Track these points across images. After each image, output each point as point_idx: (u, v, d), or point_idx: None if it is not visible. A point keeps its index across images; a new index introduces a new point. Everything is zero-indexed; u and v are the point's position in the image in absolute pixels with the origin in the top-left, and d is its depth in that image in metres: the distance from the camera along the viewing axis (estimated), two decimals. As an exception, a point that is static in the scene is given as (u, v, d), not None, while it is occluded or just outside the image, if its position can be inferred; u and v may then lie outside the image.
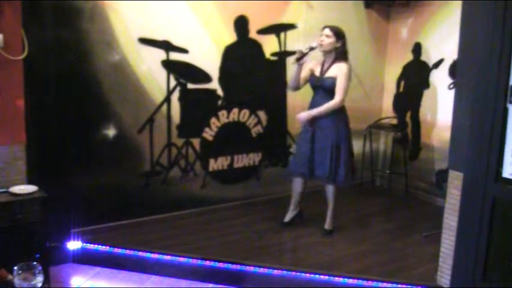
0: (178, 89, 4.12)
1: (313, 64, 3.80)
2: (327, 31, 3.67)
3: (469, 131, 2.84)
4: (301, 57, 3.61)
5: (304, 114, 3.74)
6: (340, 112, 3.76)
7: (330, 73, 3.71)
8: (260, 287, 3.32)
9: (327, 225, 3.97)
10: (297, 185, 3.98)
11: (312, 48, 3.62)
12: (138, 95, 3.93)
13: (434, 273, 3.22)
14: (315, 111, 3.70)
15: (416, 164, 5.06)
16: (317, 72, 3.78)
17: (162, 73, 4.03)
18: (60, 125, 3.60)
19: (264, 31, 4.44)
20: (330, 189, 3.89)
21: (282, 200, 4.17)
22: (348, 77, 3.68)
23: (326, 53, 3.72)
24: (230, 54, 4.31)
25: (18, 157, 3.17)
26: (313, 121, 3.76)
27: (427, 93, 4.91)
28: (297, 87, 3.86)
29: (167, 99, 4.08)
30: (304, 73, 3.79)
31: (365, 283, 3.22)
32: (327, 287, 3.26)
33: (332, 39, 3.65)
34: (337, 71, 3.67)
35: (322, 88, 3.72)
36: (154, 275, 3.43)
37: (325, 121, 3.73)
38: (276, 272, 3.32)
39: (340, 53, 3.69)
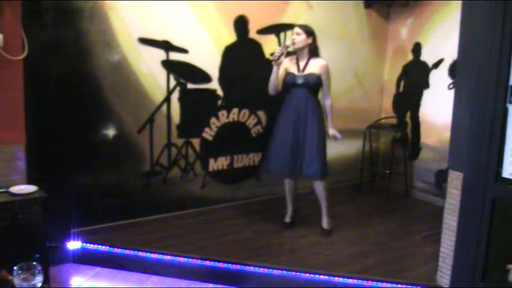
0: (178, 89, 4.12)
1: (286, 63, 3.81)
2: (297, 29, 3.75)
3: (469, 131, 2.84)
4: (279, 56, 3.64)
5: (334, 131, 3.88)
6: (319, 107, 3.83)
7: (310, 70, 3.75)
8: (260, 287, 3.32)
9: (325, 225, 3.98)
10: (288, 185, 4.05)
11: (287, 47, 3.69)
12: (138, 95, 3.94)
13: (434, 273, 3.22)
14: (331, 121, 3.89)
15: (416, 164, 5.06)
16: (293, 70, 3.79)
17: (162, 73, 4.03)
18: (60, 125, 3.60)
19: (263, 31, 4.44)
20: (319, 186, 3.90)
21: (282, 200, 4.17)
22: (329, 72, 3.81)
23: (299, 50, 3.77)
24: (230, 54, 4.32)
25: (18, 157, 3.17)
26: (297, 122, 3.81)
27: (427, 93, 4.91)
28: (277, 90, 3.85)
29: (167, 99, 4.08)
30: (281, 74, 3.80)
31: (365, 283, 3.22)
32: (327, 287, 3.26)
33: (303, 36, 3.72)
34: (319, 68, 3.74)
35: (306, 85, 3.75)
36: (154, 275, 3.43)
37: (308, 119, 3.77)
38: (275, 272, 3.32)
39: (313, 50, 3.78)
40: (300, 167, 3.81)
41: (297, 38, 3.73)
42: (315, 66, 3.75)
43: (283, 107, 3.87)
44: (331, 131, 3.87)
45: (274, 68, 3.73)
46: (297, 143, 3.80)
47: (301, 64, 3.78)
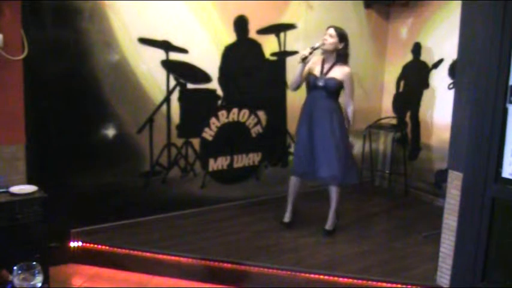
0: (178, 89, 4.12)
1: (311, 63, 3.81)
2: (331, 31, 3.71)
3: (469, 131, 2.84)
4: (307, 57, 3.65)
5: (352, 140, 3.93)
6: (339, 112, 3.79)
7: (332, 74, 3.73)
8: (260, 287, 3.32)
9: (328, 226, 3.97)
10: (293, 185, 4.02)
11: (314, 49, 3.66)
12: (138, 95, 3.93)
13: (434, 273, 3.22)
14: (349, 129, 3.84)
15: (416, 164, 5.06)
16: (316, 72, 3.78)
17: (162, 73, 4.03)
18: (60, 125, 3.60)
19: (263, 31, 4.44)
20: (333, 190, 3.89)
21: (282, 200, 4.17)
22: (352, 79, 3.79)
23: (327, 53, 3.74)
24: (230, 54, 4.31)
25: (18, 157, 3.17)
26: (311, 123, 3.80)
27: (427, 93, 4.91)
28: (298, 87, 3.88)
29: (167, 99, 4.08)
30: (304, 73, 3.79)
31: (365, 283, 3.23)
32: (327, 287, 3.26)
33: (335, 40, 3.69)
34: (342, 75, 3.71)
35: (325, 89, 3.73)
36: (154, 275, 3.43)
37: (325, 121, 3.75)
38: (276, 272, 3.33)
39: (341, 55, 3.73)
40: (314, 169, 3.80)
41: (328, 40, 3.69)
42: (338, 72, 3.72)
43: (303, 108, 3.90)
44: (350, 139, 3.88)
45: (300, 67, 3.72)
46: (312, 144, 3.80)
47: (326, 67, 3.76)
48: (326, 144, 3.75)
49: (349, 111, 3.82)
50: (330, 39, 3.68)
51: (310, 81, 3.80)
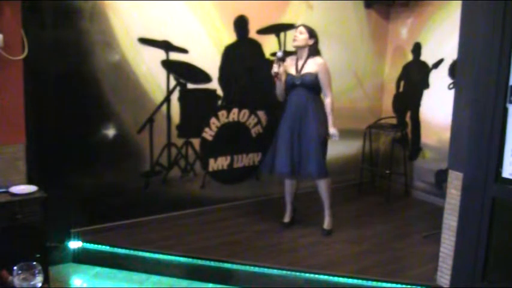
0: (178, 89, 4.12)
1: (287, 64, 3.83)
2: (301, 28, 3.78)
3: (469, 131, 2.84)
4: (278, 73, 3.72)
5: (335, 131, 3.76)
6: (320, 106, 3.81)
7: (307, 69, 3.76)
8: (260, 287, 3.32)
9: (326, 225, 3.98)
10: (288, 185, 4.05)
11: (280, 58, 3.72)
12: (138, 95, 3.93)
13: (434, 273, 3.22)
14: (331, 120, 3.77)
15: (416, 164, 5.06)
16: (292, 71, 3.80)
17: (162, 73, 4.03)
18: (60, 125, 3.60)
19: (264, 31, 4.44)
20: (322, 186, 3.89)
21: (282, 200, 4.17)
22: (327, 70, 3.78)
23: (299, 50, 3.78)
24: (230, 54, 4.32)
25: (18, 157, 3.17)
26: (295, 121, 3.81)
27: (427, 93, 4.91)
28: (285, 95, 3.91)
29: (167, 99, 4.08)
30: (283, 77, 3.82)
31: (365, 283, 3.22)
32: (327, 287, 3.26)
33: (305, 36, 3.74)
34: (316, 66, 3.74)
35: (303, 85, 3.75)
36: (154, 275, 3.43)
37: (308, 119, 3.76)
38: (275, 272, 3.33)
39: (313, 50, 3.78)
40: (298, 168, 3.81)
41: (298, 36, 3.75)
42: (312, 65, 3.76)
43: (284, 108, 3.89)
44: (332, 130, 3.76)
45: (277, 81, 3.78)
46: (296, 143, 3.79)
47: (300, 64, 3.79)
48: (312, 142, 3.76)
49: (328, 102, 3.78)
50: (300, 35, 3.74)
51: (287, 81, 3.82)
